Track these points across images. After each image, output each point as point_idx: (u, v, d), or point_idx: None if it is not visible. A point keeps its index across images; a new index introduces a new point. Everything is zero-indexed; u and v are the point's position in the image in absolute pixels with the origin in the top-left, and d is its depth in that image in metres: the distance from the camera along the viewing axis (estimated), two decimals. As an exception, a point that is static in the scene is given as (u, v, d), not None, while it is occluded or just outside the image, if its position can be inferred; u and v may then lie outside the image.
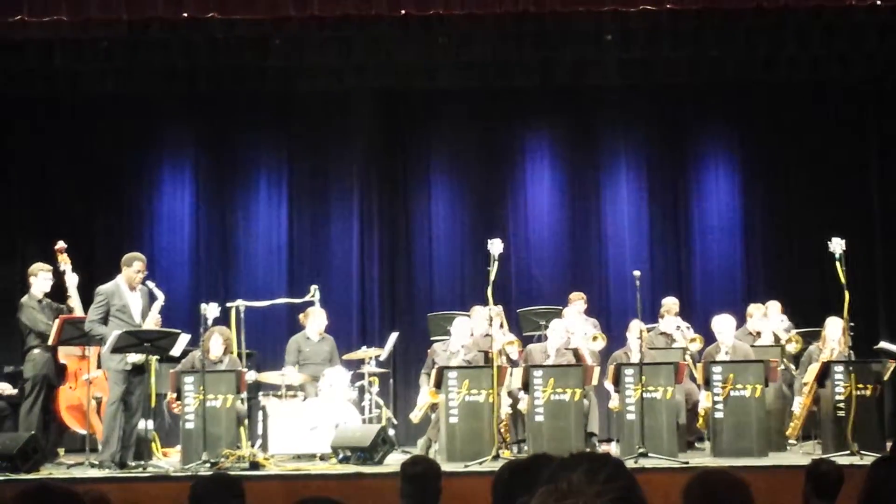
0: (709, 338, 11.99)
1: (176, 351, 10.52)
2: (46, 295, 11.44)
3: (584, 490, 2.29)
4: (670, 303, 12.63)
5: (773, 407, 11.37)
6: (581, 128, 14.91)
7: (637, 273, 10.94)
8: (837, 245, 10.71)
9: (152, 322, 10.53)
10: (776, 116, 14.57)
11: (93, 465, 10.26)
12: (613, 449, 11.23)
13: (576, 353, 11.84)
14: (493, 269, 10.47)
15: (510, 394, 11.31)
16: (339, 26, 12.54)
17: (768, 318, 12.53)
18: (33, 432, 10.55)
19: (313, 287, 12.07)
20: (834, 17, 12.69)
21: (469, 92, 14.47)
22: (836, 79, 14.13)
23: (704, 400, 11.16)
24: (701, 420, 11.37)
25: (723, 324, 11.60)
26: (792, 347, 12.13)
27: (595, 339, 12.37)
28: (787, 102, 14.45)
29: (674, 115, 14.81)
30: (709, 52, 13.62)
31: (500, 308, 11.89)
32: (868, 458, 9.01)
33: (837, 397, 10.69)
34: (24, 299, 11.35)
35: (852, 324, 11.11)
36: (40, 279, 11.38)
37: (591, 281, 14.28)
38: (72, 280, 11.58)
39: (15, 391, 11.50)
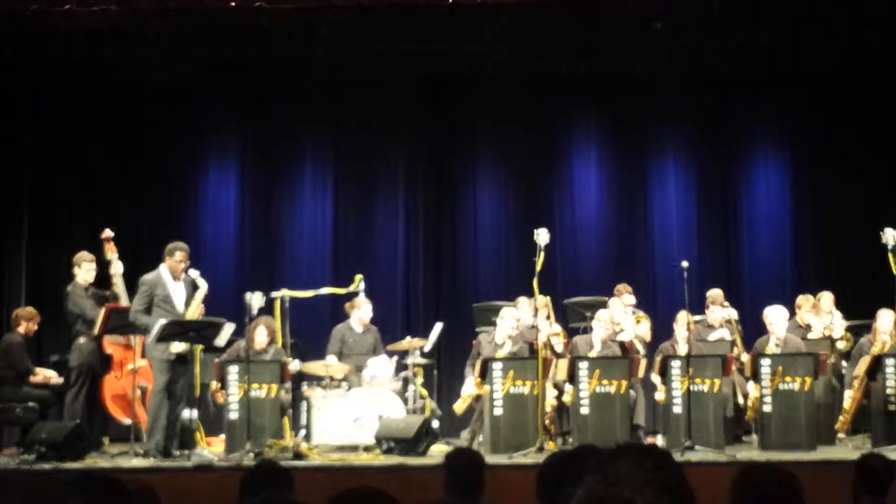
0: (758, 329, 11.89)
1: (221, 341, 10.56)
2: (91, 284, 11.52)
3: (631, 480, 2.31)
4: (715, 294, 12.52)
5: (822, 400, 11.25)
6: (629, 117, 14.84)
7: (685, 264, 10.84)
8: (890, 236, 10.62)
9: (195, 311, 10.56)
10: (826, 106, 14.43)
11: (137, 454, 10.33)
12: (660, 441, 11.16)
13: (622, 344, 11.79)
14: (540, 260, 10.42)
15: (555, 385, 11.27)
16: (386, 15, 12.54)
17: (819, 310, 12.41)
18: (78, 421, 10.66)
19: (358, 277, 12.08)
20: (885, 5, 12.55)
21: (516, 81, 14.44)
22: (886, 66, 13.96)
23: (753, 391, 11.07)
24: (750, 411, 11.26)
25: (775, 315, 11.47)
26: (842, 345, 11.98)
27: (638, 321, 12.30)
28: (837, 92, 14.32)
29: (723, 106, 14.70)
30: (759, 42, 13.51)
31: (547, 299, 11.85)
32: (920, 453, 8.88)
33: (888, 391, 10.63)
34: (70, 287, 11.44)
35: (905, 316, 10.99)
36: (84, 269, 11.49)
37: (638, 273, 14.21)
38: (117, 268, 11.65)
39: (61, 380, 11.60)
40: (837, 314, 12.41)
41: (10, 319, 12.08)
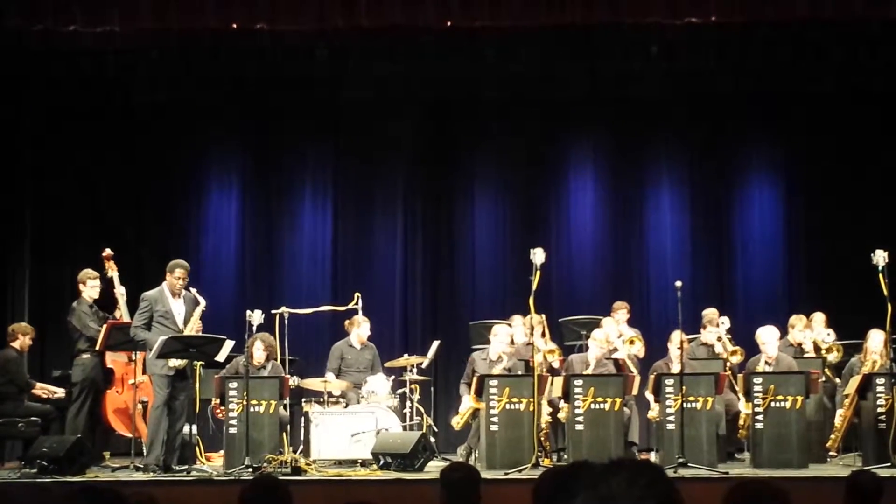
0: (751, 349, 11.98)
1: (220, 357, 10.63)
2: (95, 301, 11.61)
3: (624, 495, 2.31)
4: (711, 314, 12.62)
5: (813, 419, 11.34)
6: (625, 139, 14.89)
7: (679, 283, 10.88)
8: (880, 257, 10.67)
9: (192, 328, 10.62)
10: (819, 127, 14.49)
11: (137, 469, 10.38)
12: (653, 458, 11.21)
13: (617, 363, 11.88)
14: (536, 279, 10.49)
15: (550, 402, 11.35)
16: (385, 37, 12.63)
17: (811, 330, 12.50)
18: (80, 436, 10.69)
19: (356, 295, 12.17)
20: (879, 28, 12.65)
21: (514, 103, 14.51)
22: (879, 90, 14.06)
23: (744, 409, 11.17)
24: (742, 430, 11.35)
25: (767, 335, 11.55)
26: (833, 357, 12.12)
27: (632, 342, 12.37)
28: (830, 113, 14.38)
29: (717, 127, 14.78)
30: (753, 65, 13.62)
31: (542, 317, 11.91)
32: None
33: (879, 409, 10.67)
34: (75, 304, 11.50)
35: (895, 336, 11.07)
36: (89, 287, 11.55)
37: (633, 292, 14.26)
38: (119, 287, 11.74)
39: (63, 394, 11.66)
40: (822, 329, 12.49)
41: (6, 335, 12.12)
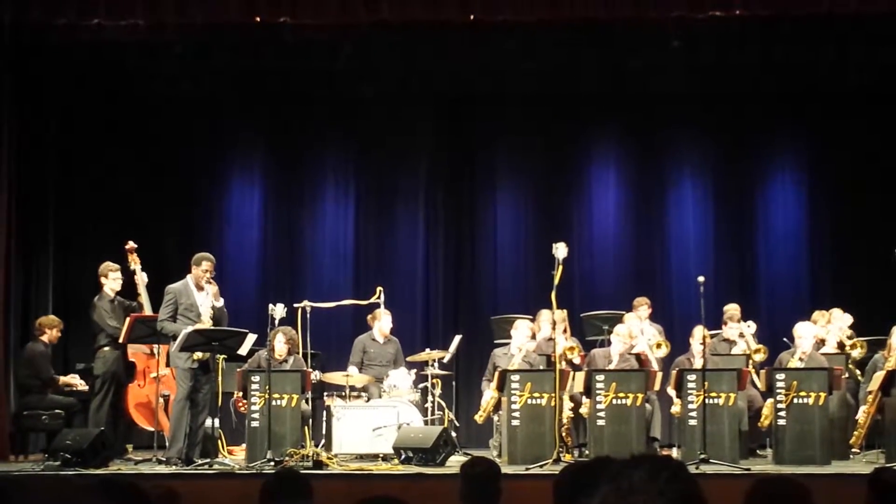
0: (773, 345, 11.94)
1: (243, 350, 10.66)
2: (117, 293, 11.66)
3: (646, 490, 2.31)
4: (732, 309, 12.57)
5: (836, 415, 11.29)
6: (647, 133, 14.86)
7: (701, 279, 10.84)
8: (903, 252, 10.63)
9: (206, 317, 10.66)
10: (843, 123, 14.42)
11: (160, 462, 10.43)
12: (675, 454, 11.19)
13: (639, 358, 11.85)
14: (558, 274, 10.46)
15: (572, 398, 11.34)
16: (407, 31, 12.63)
17: (832, 324, 12.44)
18: (102, 428, 10.77)
19: (378, 289, 12.18)
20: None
21: (536, 97, 14.49)
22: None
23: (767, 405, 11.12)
24: (764, 420, 11.25)
25: (804, 330, 11.44)
26: (856, 353, 12.06)
27: (659, 346, 12.34)
28: (854, 109, 14.30)
29: (740, 122, 14.71)
30: (777, 60, 13.55)
31: (564, 312, 11.90)
32: (933, 469, 8.91)
33: (902, 406, 10.62)
34: (96, 299, 11.58)
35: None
36: (111, 279, 11.62)
37: (655, 287, 14.22)
38: (141, 279, 11.79)
39: (86, 387, 11.73)
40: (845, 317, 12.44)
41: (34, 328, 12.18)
